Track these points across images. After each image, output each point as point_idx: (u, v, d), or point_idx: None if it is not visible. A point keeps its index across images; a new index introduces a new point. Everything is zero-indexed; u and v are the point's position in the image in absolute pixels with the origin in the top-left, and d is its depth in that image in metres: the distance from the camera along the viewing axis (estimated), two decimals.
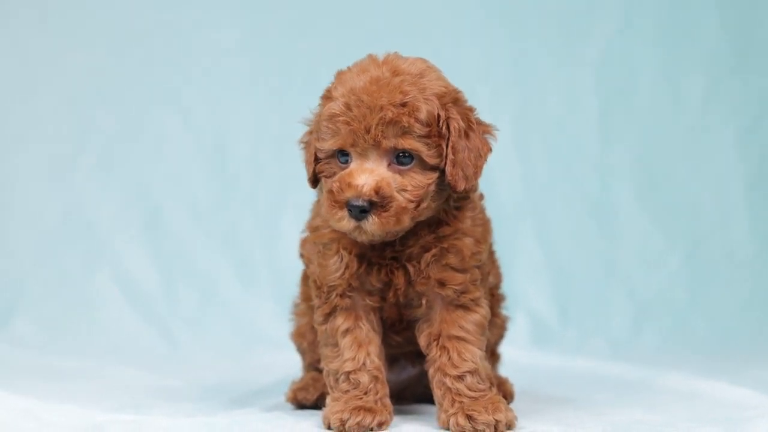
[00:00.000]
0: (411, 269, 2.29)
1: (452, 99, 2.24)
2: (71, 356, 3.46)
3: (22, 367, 3.27)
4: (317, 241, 2.34)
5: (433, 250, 2.29)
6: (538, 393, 2.83)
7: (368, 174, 2.18)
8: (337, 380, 2.32)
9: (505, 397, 2.42)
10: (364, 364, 2.31)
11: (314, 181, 2.29)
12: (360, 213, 2.17)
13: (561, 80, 4.18)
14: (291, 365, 2.89)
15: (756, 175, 4.16)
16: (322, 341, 2.36)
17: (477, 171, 2.23)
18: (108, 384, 3.02)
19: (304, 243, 2.42)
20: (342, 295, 2.32)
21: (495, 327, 2.56)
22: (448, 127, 2.21)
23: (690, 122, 4.17)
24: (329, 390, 2.35)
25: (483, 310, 2.34)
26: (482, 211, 2.39)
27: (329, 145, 2.22)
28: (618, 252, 4.04)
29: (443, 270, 2.29)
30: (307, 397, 2.57)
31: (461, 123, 2.22)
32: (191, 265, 3.92)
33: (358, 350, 2.32)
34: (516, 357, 3.06)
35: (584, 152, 4.14)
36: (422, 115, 2.18)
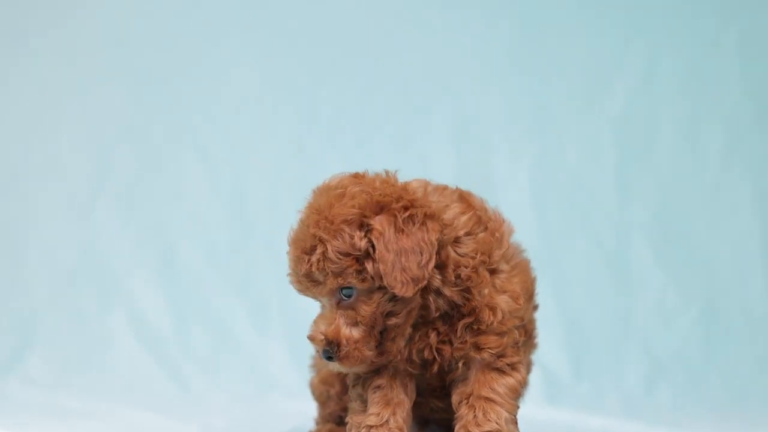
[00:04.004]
0: (453, 338, 2.27)
1: (374, 209, 2.17)
2: (83, 396, 3.44)
3: (33, 406, 3.27)
4: None
5: (464, 320, 2.26)
6: None
7: (318, 324, 2.24)
8: None
9: None
10: (387, 421, 2.29)
11: None
12: (328, 359, 2.22)
13: (580, 133, 4.19)
14: (305, 414, 2.88)
15: None
16: (353, 395, 2.35)
17: (423, 268, 2.15)
18: (119, 426, 3.01)
19: None
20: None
21: None
22: (370, 241, 2.15)
23: (708, 178, 4.17)
24: None
25: (519, 375, 2.32)
26: (518, 263, 2.36)
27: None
28: (633, 307, 4.02)
29: (477, 334, 2.27)
30: None
31: (386, 228, 2.15)
32: (206, 307, 3.91)
33: (385, 407, 2.30)
34: (528, 413, 3.03)
35: (601, 206, 4.13)
36: (329, 253, 2.15)
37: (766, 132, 4.21)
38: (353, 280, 2.15)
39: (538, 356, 3.80)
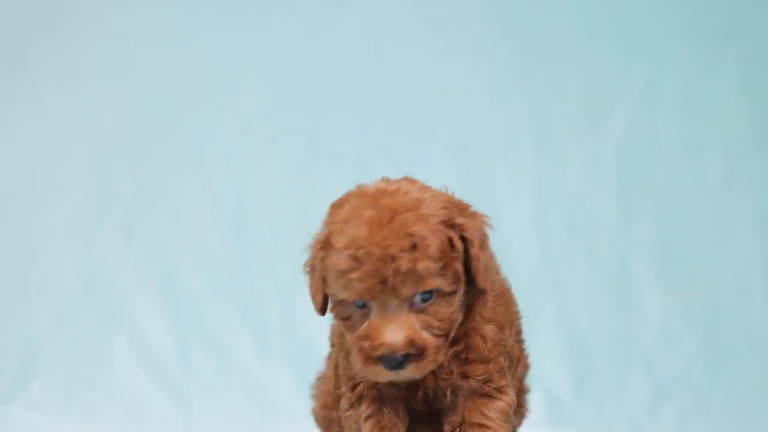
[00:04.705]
0: (437, 368, 2.23)
1: (457, 211, 2.14)
2: (87, 422, 3.46)
3: None
4: (343, 347, 2.29)
5: (454, 348, 2.23)
6: None
7: (396, 327, 2.09)
8: None
9: None
10: None
11: (323, 311, 2.20)
12: (397, 366, 2.10)
13: (581, 155, 4.19)
14: None
15: None
16: (346, 427, 2.34)
17: (496, 266, 2.21)
18: None
19: (334, 330, 2.40)
20: (370, 387, 2.28)
21: (516, 416, 2.51)
22: (464, 241, 2.12)
23: (710, 200, 4.17)
24: None
25: (508, 398, 2.29)
26: (504, 292, 2.33)
27: (344, 297, 2.11)
28: (636, 329, 4.01)
29: (465, 363, 2.25)
30: None
31: (473, 226, 2.14)
32: (208, 332, 3.90)
33: None
34: None
35: (603, 227, 4.12)
36: (433, 251, 2.07)
37: (767, 155, 4.21)
38: (444, 282, 2.09)
39: (540, 378, 3.83)
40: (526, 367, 2.54)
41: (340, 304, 2.16)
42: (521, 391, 2.53)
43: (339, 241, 2.09)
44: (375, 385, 2.28)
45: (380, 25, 4.21)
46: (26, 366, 3.78)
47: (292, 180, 4.09)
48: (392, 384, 2.27)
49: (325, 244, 2.13)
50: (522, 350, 2.49)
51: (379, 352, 2.09)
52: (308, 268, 2.20)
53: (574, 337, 3.98)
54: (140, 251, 4.00)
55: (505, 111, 4.21)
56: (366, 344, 2.10)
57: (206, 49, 4.16)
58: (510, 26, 4.25)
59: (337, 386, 2.46)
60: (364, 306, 2.12)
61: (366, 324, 2.12)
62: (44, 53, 4.10)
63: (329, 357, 2.54)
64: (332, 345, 2.44)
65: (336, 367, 2.47)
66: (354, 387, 2.30)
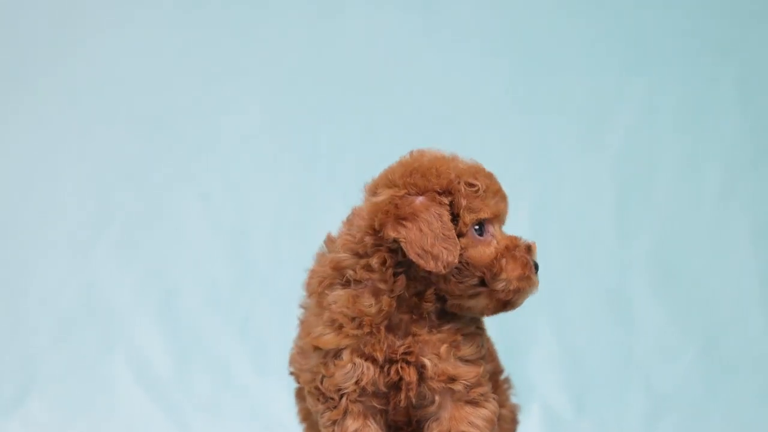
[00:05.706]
0: (428, 363, 2.27)
1: None
2: None
3: None
4: (323, 347, 2.31)
5: (452, 339, 2.27)
6: None
7: None
8: None
9: None
10: None
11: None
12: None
13: (579, 170, 4.19)
14: None
15: None
16: None
17: None
18: None
19: (294, 359, 2.41)
20: (354, 401, 2.30)
21: (504, 421, 2.51)
22: None
23: (707, 215, 4.17)
24: None
25: (491, 405, 2.32)
26: None
27: (487, 214, 2.29)
28: (634, 344, 4.01)
29: (457, 364, 2.27)
30: None
31: None
32: (207, 350, 3.91)
33: None
34: None
35: (601, 243, 4.13)
36: None
37: (765, 169, 4.21)
38: None
39: (539, 394, 3.83)
40: (496, 362, 2.54)
41: (471, 232, 2.28)
42: (501, 389, 2.52)
43: (473, 171, 2.34)
44: (359, 399, 2.30)
45: (379, 40, 4.22)
46: (24, 383, 3.78)
47: (291, 197, 4.09)
48: (375, 395, 2.29)
49: (468, 184, 2.30)
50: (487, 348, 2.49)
51: (533, 255, 2.29)
52: (431, 219, 2.24)
53: (572, 353, 3.98)
54: (139, 269, 4.00)
55: (503, 124, 4.21)
56: (522, 250, 2.29)
57: (205, 65, 4.16)
58: (509, 40, 4.25)
59: (306, 416, 2.48)
60: (481, 232, 2.28)
61: (495, 243, 2.29)
62: (43, 69, 4.10)
63: (297, 394, 2.56)
64: (291, 374, 2.46)
65: (301, 396, 2.49)
66: (336, 405, 2.31)
